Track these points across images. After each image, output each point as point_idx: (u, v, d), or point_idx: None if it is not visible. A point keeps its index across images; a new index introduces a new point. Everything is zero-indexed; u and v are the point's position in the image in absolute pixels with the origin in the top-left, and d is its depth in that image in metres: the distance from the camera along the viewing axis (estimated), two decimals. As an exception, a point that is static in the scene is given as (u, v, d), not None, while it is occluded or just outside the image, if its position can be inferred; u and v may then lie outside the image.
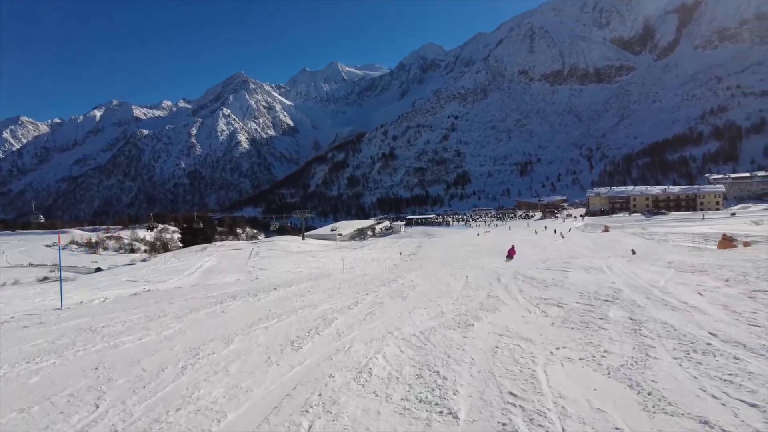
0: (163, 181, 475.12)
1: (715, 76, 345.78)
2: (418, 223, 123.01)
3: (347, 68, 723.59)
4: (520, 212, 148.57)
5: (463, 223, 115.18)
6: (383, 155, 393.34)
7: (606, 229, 56.24)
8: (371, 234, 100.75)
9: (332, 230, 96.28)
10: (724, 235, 25.72)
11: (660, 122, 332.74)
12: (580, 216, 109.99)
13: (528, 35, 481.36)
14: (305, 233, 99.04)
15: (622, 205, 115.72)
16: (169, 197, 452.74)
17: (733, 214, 79.73)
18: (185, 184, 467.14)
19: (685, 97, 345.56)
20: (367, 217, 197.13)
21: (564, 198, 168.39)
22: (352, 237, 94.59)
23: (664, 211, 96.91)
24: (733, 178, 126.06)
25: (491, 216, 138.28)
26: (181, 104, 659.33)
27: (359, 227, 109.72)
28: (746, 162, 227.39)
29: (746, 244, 24.15)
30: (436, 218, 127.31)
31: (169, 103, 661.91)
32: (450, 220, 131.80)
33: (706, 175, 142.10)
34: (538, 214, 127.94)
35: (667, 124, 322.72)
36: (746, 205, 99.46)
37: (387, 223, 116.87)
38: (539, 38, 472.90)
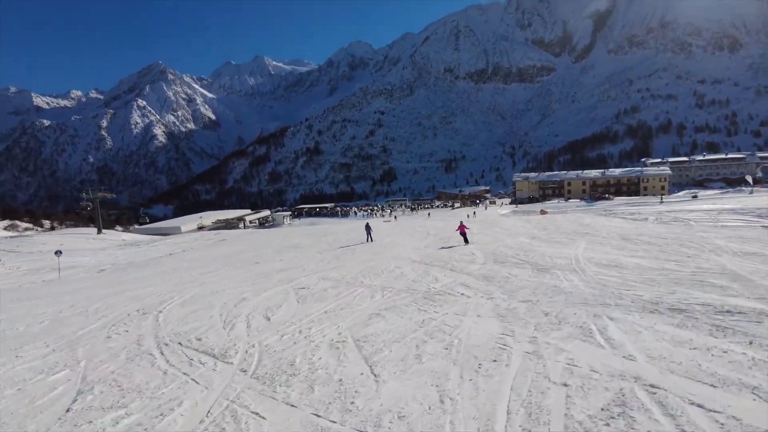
0: (67, 177, 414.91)
1: (627, 78, 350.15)
2: (310, 214, 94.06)
3: (274, 63, 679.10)
4: (438, 202, 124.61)
5: (365, 213, 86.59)
6: (308, 150, 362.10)
7: (543, 213, 46.23)
8: (242, 226, 74.28)
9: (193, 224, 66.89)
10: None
11: (579, 121, 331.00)
12: (509, 203, 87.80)
13: (454, 34, 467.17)
14: (145, 224, 72.68)
15: (555, 191, 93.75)
16: (75, 195, 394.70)
17: (695, 196, 59.10)
18: (94, 181, 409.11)
19: (601, 97, 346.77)
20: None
21: (487, 188, 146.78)
22: (212, 229, 67.47)
23: (608, 196, 74.40)
24: (672, 162, 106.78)
25: (406, 206, 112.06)
26: (93, 95, 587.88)
27: (225, 218, 79.21)
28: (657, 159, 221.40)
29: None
30: (333, 208, 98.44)
31: (78, 93, 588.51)
32: (355, 210, 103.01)
33: (643, 159, 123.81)
34: (458, 204, 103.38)
35: (585, 123, 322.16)
36: (692, 191, 78.61)
37: (266, 213, 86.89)
38: (464, 37, 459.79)
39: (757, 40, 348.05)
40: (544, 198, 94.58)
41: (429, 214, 71.23)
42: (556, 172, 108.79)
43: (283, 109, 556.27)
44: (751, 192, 61.16)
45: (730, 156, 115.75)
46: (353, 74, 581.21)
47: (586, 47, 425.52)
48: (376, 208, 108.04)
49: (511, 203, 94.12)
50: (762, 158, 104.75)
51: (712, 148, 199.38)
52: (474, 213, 60.95)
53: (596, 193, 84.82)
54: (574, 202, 75.95)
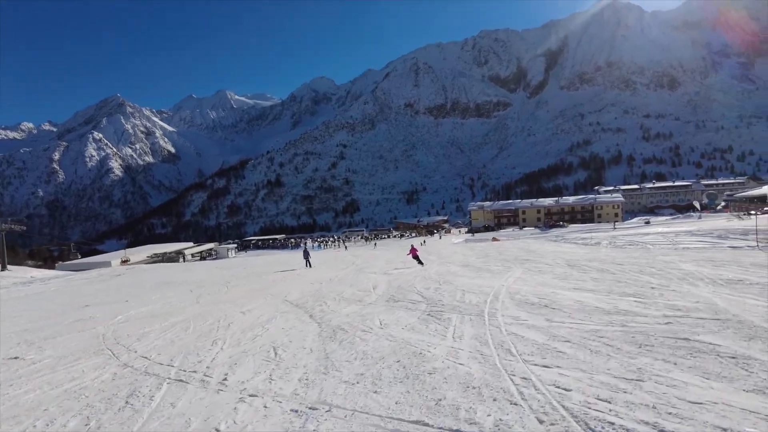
0: (13, 212, 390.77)
1: (579, 113, 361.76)
2: (258, 246, 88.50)
3: (237, 97, 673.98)
4: (396, 233, 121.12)
5: (317, 244, 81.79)
6: (269, 182, 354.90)
7: (495, 240, 45.65)
8: (182, 260, 67.96)
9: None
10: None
11: (535, 154, 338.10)
12: (465, 232, 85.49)
13: (413, 70, 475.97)
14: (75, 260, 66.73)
15: (510, 220, 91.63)
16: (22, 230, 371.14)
17: (648, 222, 57.67)
18: (43, 215, 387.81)
19: (555, 131, 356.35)
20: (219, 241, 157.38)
21: (445, 218, 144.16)
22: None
23: (562, 223, 72.49)
24: (624, 190, 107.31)
25: (363, 237, 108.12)
26: (46, 127, 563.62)
27: (162, 252, 72.92)
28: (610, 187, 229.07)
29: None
30: (285, 240, 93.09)
31: (29, 125, 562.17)
32: (307, 241, 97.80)
33: (596, 187, 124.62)
34: (414, 234, 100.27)
35: (541, 155, 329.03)
36: (644, 217, 77.97)
37: (211, 246, 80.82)
38: (424, 73, 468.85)
39: (693, 78, 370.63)
40: (499, 226, 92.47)
41: (375, 244, 67.67)
42: (510, 201, 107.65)
43: (246, 142, 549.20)
44: (700, 217, 60.85)
45: (677, 184, 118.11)
46: (316, 108, 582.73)
47: (540, 84, 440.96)
48: (331, 239, 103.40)
49: (467, 232, 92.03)
50: (706, 185, 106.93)
51: (660, 177, 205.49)
52: (424, 242, 59.50)
53: (550, 220, 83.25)
54: (528, 229, 73.89)
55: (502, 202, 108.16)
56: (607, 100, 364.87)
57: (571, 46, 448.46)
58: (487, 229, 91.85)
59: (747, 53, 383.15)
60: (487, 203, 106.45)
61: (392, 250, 42.97)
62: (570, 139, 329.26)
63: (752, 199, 72.37)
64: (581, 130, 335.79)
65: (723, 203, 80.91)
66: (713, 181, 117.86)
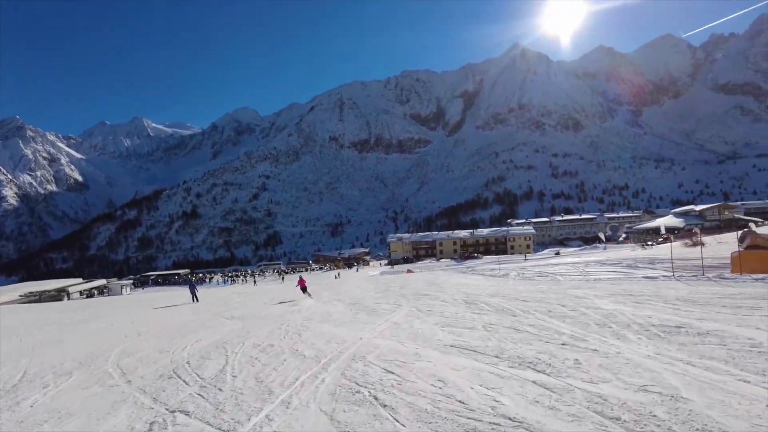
0: None
1: (493, 151, 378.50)
2: (158, 281, 79.78)
3: (154, 125, 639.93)
4: (315, 265, 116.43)
5: (225, 280, 75.30)
6: (184, 213, 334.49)
7: (410, 272, 45.08)
8: (66, 299, 58.42)
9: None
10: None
11: (454, 189, 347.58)
12: (385, 264, 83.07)
13: (338, 105, 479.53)
14: None
15: (428, 251, 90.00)
16: None
17: (557, 253, 57.58)
18: None
19: (472, 168, 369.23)
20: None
21: (366, 250, 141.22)
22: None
23: (476, 255, 71.95)
24: (534, 223, 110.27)
25: (277, 271, 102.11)
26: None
27: (41, 289, 62.46)
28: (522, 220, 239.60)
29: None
30: (187, 275, 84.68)
31: None
32: (209, 276, 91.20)
33: (509, 220, 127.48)
34: (332, 267, 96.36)
35: (459, 190, 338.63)
36: (554, 249, 79.57)
37: (102, 282, 71.49)
38: (348, 109, 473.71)
39: (593, 122, 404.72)
40: (417, 258, 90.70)
41: (283, 279, 63.12)
42: (428, 233, 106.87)
43: (162, 172, 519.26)
44: (605, 248, 62.25)
45: (583, 217, 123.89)
46: (239, 139, 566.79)
47: (458, 123, 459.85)
48: (242, 273, 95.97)
49: (387, 264, 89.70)
50: (609, 218, 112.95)
51: (568, 211, 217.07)
52: (338, 275, 57.29)
53: (466, 252, 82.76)
54: (444, 261, 72.48)
55: (420, 234, 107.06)
56: (519, 139, 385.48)
57: (486, 88, 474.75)
58: (405, 260, 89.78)
59: (635, 102, 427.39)
60: (406, 235, 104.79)
61: (295, 282, 38.65)
62: (486, 175, 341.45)
63: (648, 231, 76.23)
64: (496, 167, 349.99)
65: (624, 235, 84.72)
66: (615, 215, 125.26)
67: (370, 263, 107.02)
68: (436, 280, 24.06)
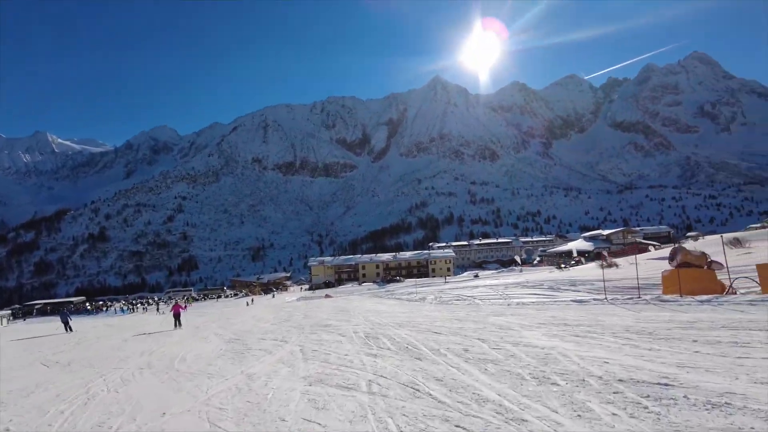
0: None
1: (416, 178, 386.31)
2: (45, 311, 69.70)
3: (60, 140, 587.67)
4: (230, 291, 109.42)
5: (125, 308, 67.37)
6: (91, 236, 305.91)
7: (328, 297, 42.46)
8: None
9: None
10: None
11: (379, 213, 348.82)
12: (306, 289, 78.83)
13: (262, 126, 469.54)
14: None
15: (350, 275, 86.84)
16: None
17: (476, 276, 57.16)
18: None
19: (397, 193, 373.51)
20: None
21: (288, 275, 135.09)
22: None
23: (398, 278, 70.15)
24: (455, 246, 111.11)
25: (187, 298, 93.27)
26: None
27: None
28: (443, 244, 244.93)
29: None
30: (81, 304, 74.63)
31: None
32: (119, 304, 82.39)
33: (430, 243, 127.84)
34: (244, 293, 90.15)
35: (384, 215, 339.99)
36: (473, 271, 79.95)
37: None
38: (273, 131, 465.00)
39: (508, 153, 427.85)
40: (340, 282, 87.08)
41: (158, 308, 56.69)
42: (350, 256, 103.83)
43: (68, 191, 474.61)
44: (521, 270, 62.67)
45: (500, 241, 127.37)
46: (155, 158, 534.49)
47: (383, 150, 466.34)
48: (142, 301, 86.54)
49: (308, 289, 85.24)
50: (525, 242, 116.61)
51: (485, 236, 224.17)
52: (252, 301, 53.27)
53: (388, 275, 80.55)
54: (367, 285, 69.69)
55: (343, 257, 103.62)
56: (440, 167, 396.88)
57: (409, 117, 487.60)
58: (327, 285, 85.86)
59: (546, 135, 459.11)
60: (329, 258, 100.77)
61: (193, 311, 33.81)
62: (409, 200, 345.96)
63: (561, 254, 78.57)
64: (419, 193, 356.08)
65: (539, 257, 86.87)
66: (529, 239, 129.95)
67: (290, 288, 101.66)
68: (348, 306, 21.10)
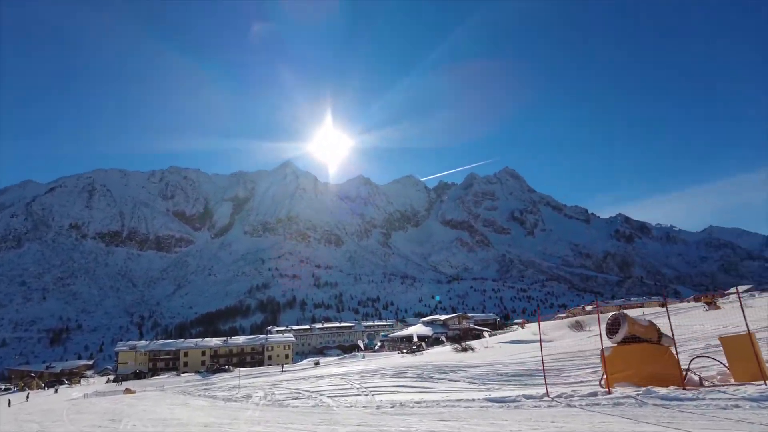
0: None
1: (260, 258, 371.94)
2: None
3: None
4: (2, 385, 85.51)
5: None
6: None
7: (128, 392, 34.45)
8: None
9: None
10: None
11: (215, 294, 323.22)
12: (111, 380, 63.15)
13: (87, 189, 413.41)
14: None
15: (169, 363, 72.74)
16: None
17: (317, 363, 51.62)
18: None
19: (237, 273, 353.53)
20: None
21: (90, 363, 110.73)
22: None
23: (228, 367, 59.94)
24: (295, 330, 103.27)
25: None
26: None
27: None
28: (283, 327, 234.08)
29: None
30: None
31: None
32: None
33: (269, 327, 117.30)
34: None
35: (221, 296, 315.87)
36: (314, 358, 73.93)
37: None
38: (100, 195, 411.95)
39: (352, 240, 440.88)
40: (155, 372, 72.14)
41: None
42: (171, 341, 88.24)
43: None
44: (364, 356, 58.69)
45: (343, 325, 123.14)
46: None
47: (226, 226, 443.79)
48: None
49: (114, 380, 68.50)
50: (366, 327, 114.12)
51: (328, 320, 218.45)
52: (27, 398, 39.90)
53: (216, 364, 69.07)
54: (188, 375, 58.01)
55: (161, 342, 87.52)
56: (286, 248, 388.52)
57: (257, 196, 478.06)
58: (137, 375, 70.34)
59: (386, 226, 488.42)
60: (142, 343, 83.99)
61: None
62: (250, 281, 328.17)
63: (402, 338, 76.94)
64: (261, 274, 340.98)
65: (379, 343, 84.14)
66: (371, 323, 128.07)
67: (91, 380, 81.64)
68: (128, 411, 14.02)
